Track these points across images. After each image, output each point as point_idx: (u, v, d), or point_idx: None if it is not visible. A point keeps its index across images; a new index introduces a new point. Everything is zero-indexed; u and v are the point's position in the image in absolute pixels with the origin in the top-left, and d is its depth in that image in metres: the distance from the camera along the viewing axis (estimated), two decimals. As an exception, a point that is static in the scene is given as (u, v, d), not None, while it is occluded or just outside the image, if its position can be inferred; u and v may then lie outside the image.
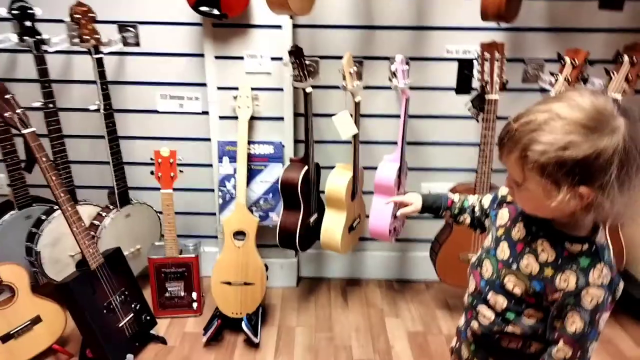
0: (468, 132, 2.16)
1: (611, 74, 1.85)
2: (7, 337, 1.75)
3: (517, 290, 0.96)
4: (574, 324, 0.91)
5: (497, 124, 1.87)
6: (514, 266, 0.97)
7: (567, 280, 0.90)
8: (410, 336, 2.05)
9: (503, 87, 1.85)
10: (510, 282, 0.97)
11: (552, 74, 1.90)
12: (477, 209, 1.19)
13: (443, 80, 2.13)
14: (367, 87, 2.11)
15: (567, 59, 1.84)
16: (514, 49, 2.09)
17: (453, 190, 2.03)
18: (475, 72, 1.93)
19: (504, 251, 1.01)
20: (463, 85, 2.12)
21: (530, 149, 0.83)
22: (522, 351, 1.02)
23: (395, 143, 1.96)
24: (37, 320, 1.82)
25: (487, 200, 1.16)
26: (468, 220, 1.21)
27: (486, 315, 1.03)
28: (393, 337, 2.05)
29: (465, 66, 2.10)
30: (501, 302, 0.99)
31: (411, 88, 2.09)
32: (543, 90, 2.09)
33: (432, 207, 1.24)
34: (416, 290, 2.36)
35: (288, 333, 2.05)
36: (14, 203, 2.02)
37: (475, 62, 1.98)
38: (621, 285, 0.93)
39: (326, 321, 2.13)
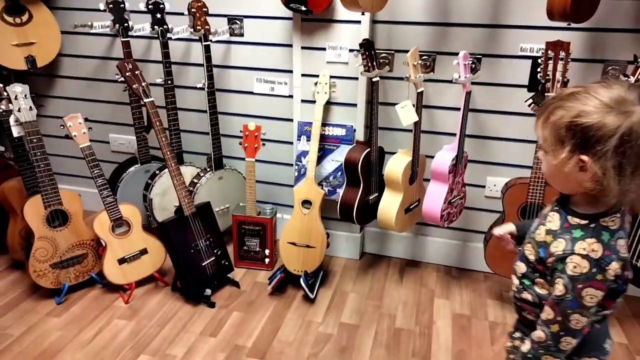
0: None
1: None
2: (122, 261, 2.25)
3: (531, 257, 1.08)
4: (557, 288, 1.00)
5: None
6: (533, 235, 1.10)
7: (557, 246, 1.00)
8: (454, 317, 2.17)
9: (564, 86, 1.87)
10: (527, 250, 1.10)
11: (625, 75, 1.88)
12: None
13: (515, 78, 2.18)
14: (439, 81, 2.25)
15: (642, 61, 1.81)
16: (595, 50, 2.07)
17: (509, 184, 2.09)
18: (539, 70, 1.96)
19: (534, 226, 1.13)
20: (535, 83, 2.15)
21: (553, 113, 0.96)
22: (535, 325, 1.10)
23: (457, 134, 2.09)
24: (144, 251, 2.30)
25: None
26: None
27: (514, 282, 1.16)
28: (438, 314, 2.19)
29: (538, 65, 2.12)
30: (521, 267, 1.12)
31: (482, 84, 2.20)
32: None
33: (524, 227, 1.25)
34: (473, 279, 2.45)
35: (342, 296, 2.30)
36: (137, 159, 2.54)
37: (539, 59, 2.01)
38: (613, 265, 0.95)
39: (378, 292, 2.34)
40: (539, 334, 1.05)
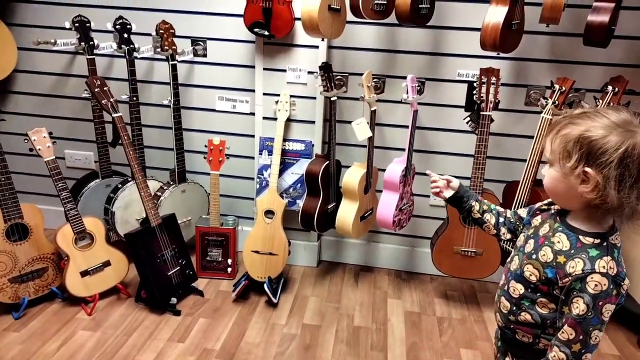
0: (473, 145, 2.48)
1: (597, 102, 2.14)
2: (85, 273, 2.27)
3: (533, 278, 1.11)
4: (578, 307, 1.01)
5: (490, 138, 2.20)
6: (534, 256, 1.12)
7: (575, 266, 1.03)
8: (406, 314, 2.38)
9: (496, 106, 2.18)
10: (528, 270, 1.12)
11: (544, 98, 2.20)
12: (509, 214, 1.34)
13: (454, 99, 2.48)
14: (387, 101, 2.50)
15: (557, 86, 2.15)
16: (519, 76, 2.41)
17: (452, 192, 2.35)
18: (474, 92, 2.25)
19: (530, 245, 1.15)
20: (471, 104, 2.45)
21: (564, 127, 1.04)
22: (532, 346, 1.15)
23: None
24: (107, 263, 2.33)
25: (523, 211, 1.31)
26: (493, 220, 1.33)
27: (505, 304, 1.18)
28: (391, 312, 2.38)
29: (473, 88, 2.43)
30: (519, 288, 1.14)
31: (426, 104, 2.48)
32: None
33: (465, 193, 1.36)
34: (421, 281, 2.69)
35: (302, 300, 2.45)
36: (98, 173, 2.58)
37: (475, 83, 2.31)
38: (627, 282, 1.04)
39: (336, 295, 2.51)
40: (559, 355, 1.05)
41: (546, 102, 2.16)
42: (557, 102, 2.13)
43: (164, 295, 2.29)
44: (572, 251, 1.05)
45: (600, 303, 1.00)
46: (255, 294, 2.45)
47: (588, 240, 1.05)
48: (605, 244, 1.04)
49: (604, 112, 1.02)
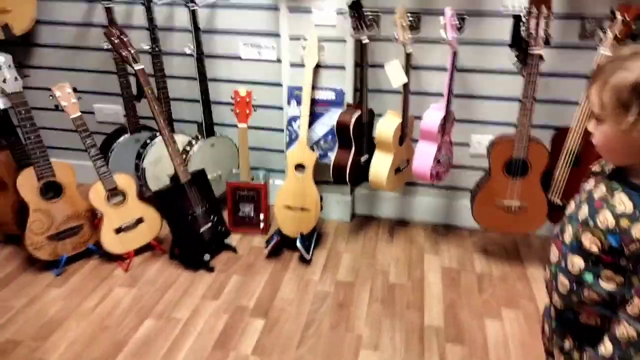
0: (520, 87, 2.26)
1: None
2: (119, 230, 2.27)
3: (594, 248, 0.96)
4: None
5: (541, 80, 1.97)
6: (591, 223, 0.97)
7: None
8: (444, 270, 2.29)
9: (547, 42, 1.93)
10: (587, 240, 0.97)
11: (601, 29, 1.93)
12: None
13: (498, 35, 2.23)
14: (424, 41, 2.28)
15: (618, 15, 1.87)
16: (573, 5, 2.13)
17: (494, 142, 2.17)
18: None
19: (584, 212, 1.01)
20: (517, 40, 2.20)
21: (614, 75, 0.88)
22: (602, 329, 1.00)
23: (446, 94, 2.14)
24: (140, 220, 2.33)
25: None
26: None
27: (563, 283, 1.03)
28: (428, 269, 2.29)
29: (520, 21, 2.17)
30: (578, 263, 1.00)
31: (466, 43, 2.24)
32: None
33: None
34: (459, 235, 2.56)
35: (336, 256, 2.39)
36: (127, 128, 2.53)
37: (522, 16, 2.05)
38: None
39: (371, 250, 2.43)
40: (630, 332, 0.92)
41: (605, 34, 1.90)
42: (619, 35, 1.86)
43: (197, 252, 2.27)
44: (638, 213, 0.90)
45: None
46: (289, 249, 2.40)
47: None
48: None
49: None
